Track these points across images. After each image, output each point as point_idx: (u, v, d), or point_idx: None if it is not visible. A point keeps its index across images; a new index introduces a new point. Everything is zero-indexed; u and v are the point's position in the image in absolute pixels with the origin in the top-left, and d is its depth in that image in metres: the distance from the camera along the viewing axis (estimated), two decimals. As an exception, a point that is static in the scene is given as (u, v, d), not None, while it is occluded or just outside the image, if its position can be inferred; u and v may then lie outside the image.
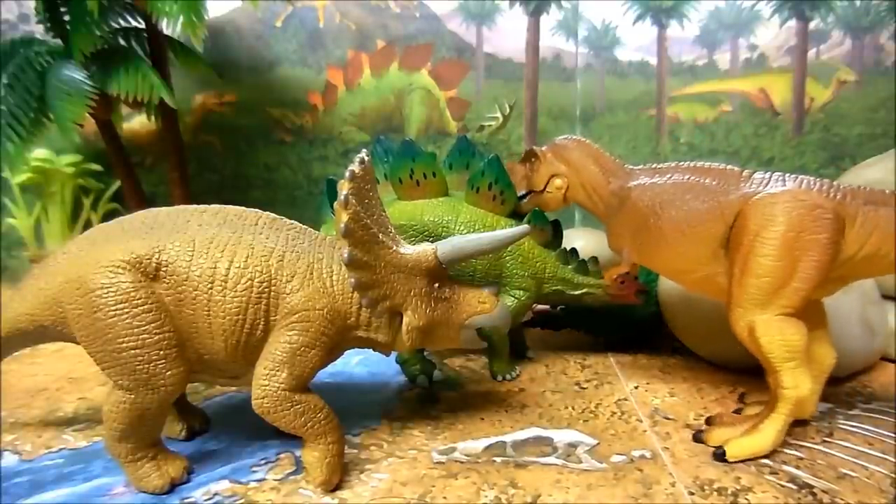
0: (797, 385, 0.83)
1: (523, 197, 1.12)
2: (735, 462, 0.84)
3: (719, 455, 0.84)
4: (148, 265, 0.76)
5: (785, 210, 0.82)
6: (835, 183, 0.85)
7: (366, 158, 0.81)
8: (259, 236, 0.81)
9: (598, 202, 1.04)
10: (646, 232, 0.95)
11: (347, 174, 0.77)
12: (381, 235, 0.81)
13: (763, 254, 0.83)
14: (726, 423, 0.91)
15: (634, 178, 0.99)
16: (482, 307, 0.87)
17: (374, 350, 0.88)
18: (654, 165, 0.99)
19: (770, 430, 0.85)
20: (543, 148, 1.09)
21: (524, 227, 0.88)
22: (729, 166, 0.92)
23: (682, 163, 0.96)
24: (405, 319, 0.83)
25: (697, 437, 0.90)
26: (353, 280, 0.78)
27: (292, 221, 0.87)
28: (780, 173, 0.88)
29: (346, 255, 0.77)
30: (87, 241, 0.81)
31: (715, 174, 0.91)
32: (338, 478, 0.82)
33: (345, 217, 0.76)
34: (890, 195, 0.84)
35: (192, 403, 1.00)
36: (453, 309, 0.86)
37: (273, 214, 0.86)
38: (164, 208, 0.84)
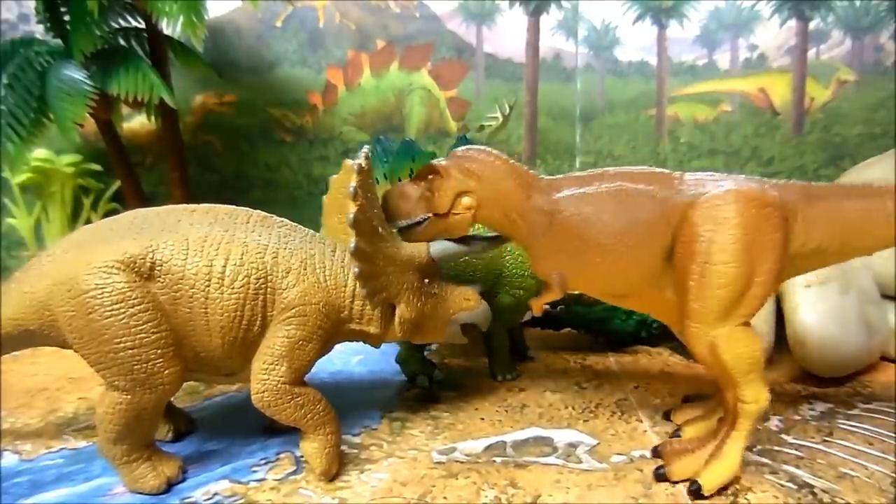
0: (758, 398, 0.77)
1: (417, 224, 0.89)
2: (710, 495, 0.78)
3: (695, 491, 0.78)
4: (142, 265, 0.76)
5: (737, 211, 0.76)
6: (767, 180, 0.82)
7: (369, 154, 0.84)
8: (252, 234, 0.82)
9: (518, 221, 0.86)
10: (583, 251, 0.83)
11: (356, 167, 0.79)
12: (380, 229, 0.84)
13: (721, 261, 0.75)
14: (680, 451, 0.84)
15: (558, 189, 0.85)
16: (467, 304, 0.91)
17: (365, 342, 0.90)
18: (573, 174, 0.88)
19: (735, 452, 0.79)
20: (444, 162, 0.88)
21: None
22: (658, 169, 0.84)
23: (605, 169, 0.86)
24: (398, 311, 0.86)
25: (660, 475, 0.82)
26: (356, 269, 0.79)
27: (282, 219, 0.88)
28: (710, 172, 0.83)
29: (352, 245, 0.78)
30: (73, 243, 0.80)
31: (647, 178, 0.82)
32: (336, 467, 0.83)
33: (353, 208, 0.78)
34: (824, 187, 0.82)
35: (176, 405, 0.99)
36: (441, 304, 0.90)
37: (263, 212, 0.87)
38: (151, 208, 0.85)
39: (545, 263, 0.87)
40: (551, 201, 0.84)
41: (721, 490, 0.80)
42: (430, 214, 0.88)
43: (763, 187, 0.79)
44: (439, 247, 0.89)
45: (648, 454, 0.89)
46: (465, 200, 0.86)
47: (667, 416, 0.99)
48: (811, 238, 0.80)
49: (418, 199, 0.88)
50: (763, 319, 1.14)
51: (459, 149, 0.90)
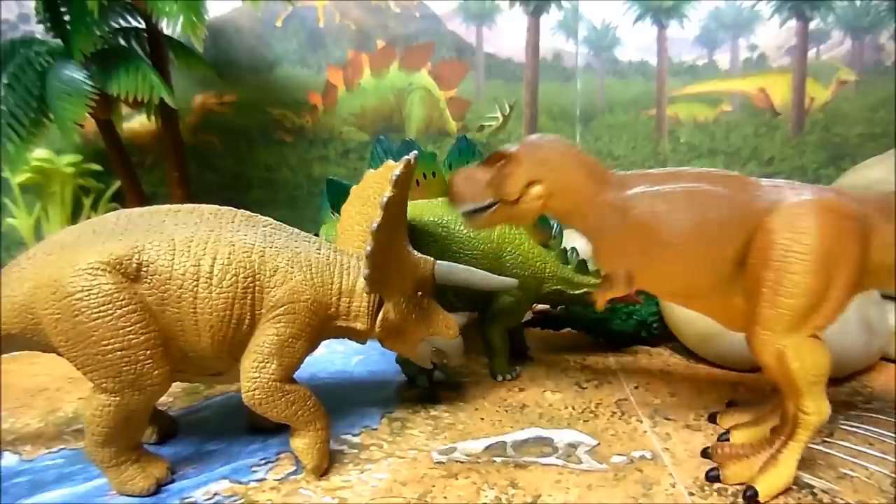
0: (820, 410, 0.77)
1: (485, 209, 0.86)
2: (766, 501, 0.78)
3: (751, 497, 0.77)
4: (128, 266, 0.75)
5: (817, 222, 0.74)
6: (845, 191, 0.80)
7: (418, 156, 0.88)
8: (238, 233, 0.82)
9: (589, 215, 0.85)
10: (653, 249, 0.81)
11: (404, 161, 0.84)
12: (401, 226, 0.87)
13: (797, 271, 0.74)
14: (733, 456, 0.84)
15: (630, 185, 0.84)
16: (446, 331, 0.92)
17: (351, 339, 0.91)
18: (643, 171, 0.86)
19: (791, 461, 0.79)
20: (515, 148, 0.85)
21: (514, 280, 0.98)
22: (731, 172, 0.84)
23: (680, 168, 0.85)
24: (383, 309, 0.87)
25: (713, 477, 0.82)
26: (368, 248, 0.80)
27: (267, 218, 0.89)
28: (784, 180, 0.82)
29: (375, 224, 0.79)
30: (55, 245, 0.79)
31: (724, 181, 0.81)
32: (327, 462, 0.84)
33: (390, 192, 0.80)
34: None
35: (158, 408, 0.99)
36: (423, 320, 0.91)
37: (248, 212, 0.87)
38: (134, 209, 0.84)
39: (613, 259, 0.86)
40: (624, 197, 0.83)
41: (721, 490, 0.80)
42: (498, 200, 0.85)
43: (843, 199, 0.77)
44: (445, 267, 0.91)
45: (648, 455, 0.89)
46: (536, 189, 0.84)
47: (712, 419, 0.98)
48: (889, 255, 0.78)
49: (486, 184, 0.85)
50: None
51: (533, 136, 0.87)
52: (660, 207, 0.81)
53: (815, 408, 0.77)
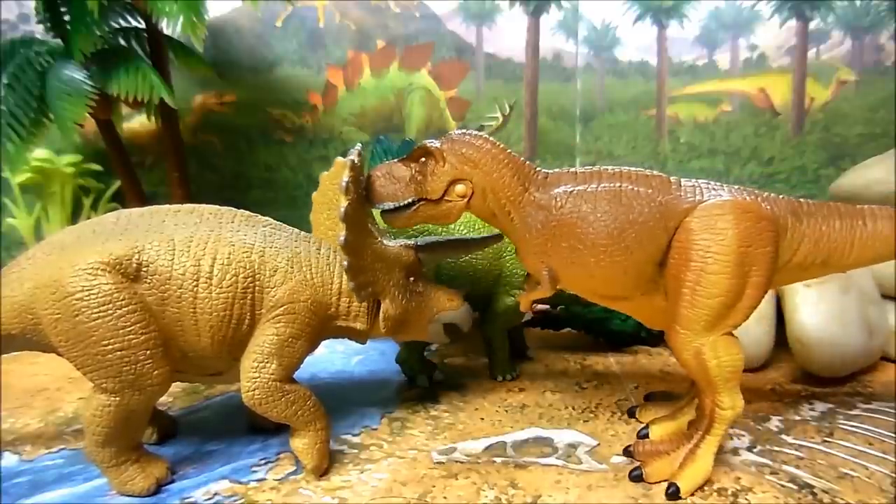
0: (734, 405, 0.79)
1: (405, 208, 0.84)
2: (688, 496, 0.79)
3: (673, 494, 0.79)
4: (128, 266, 0.75)
5: (734, 223, 0.76)
6: (759, 192, 0.82)
7: (361, 151, 0.83)
8: (238, 233, 0.82)
9: (513, 214, 0.83)
10: (577, 250, 0.80)
11: (348, 163, 0.79)
12: (370, 225, 0.85)
13: (716, 271, 0.76)
14: (654, 453, 0.85)
15: (555, 184, 0.82)
16: (450, 304, 0.92)
17: (351, 339, 0.91)
18: (570, 170, 0.84)
19: (709, 454, 0.81)
20: (439, 144, 0.82)
21: (498, 235, 0.96)
22: (655, 172, 0.83)
23: (603, 167, 0.83)
24: (383, 307, 0.87)
25: (636, 477, 0.82)
26: (345, 263, 0.80)
27: (266, 218, 0.89)
28: (705, 181, 0.82)
29: (341, 239, 0.78)
30: (55, 245, 0.79)
31: (646, 181, 0.81)
32: (327, 462, 0.84)
33: (345, 202, 0.78)
34: (811, 204, 0.83)
35: (158, 408, 0.99)
36: (425, 303, 0.91)
37: (247, 212, 0.87)
38: (133, 209, 0.84)
39: (536, 259, 0.84)
40: (548, 196, 0.81)
41: (721, 490, 0.80)
42: (420, 199, 0.83)
43: (758, 201, 0.80)
44: (429, 244, 0.91)
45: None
46: (460, 188, 0.82)
47: (631, 414, 1.00)
48: (797, 254, 0.82)
49: (408, 181, 0.83)
50: (763, 319, 1.14)
51: (455, 132, 0.85)
52: (584, 207, 0.80)
53: (731, 402, 0.79)
